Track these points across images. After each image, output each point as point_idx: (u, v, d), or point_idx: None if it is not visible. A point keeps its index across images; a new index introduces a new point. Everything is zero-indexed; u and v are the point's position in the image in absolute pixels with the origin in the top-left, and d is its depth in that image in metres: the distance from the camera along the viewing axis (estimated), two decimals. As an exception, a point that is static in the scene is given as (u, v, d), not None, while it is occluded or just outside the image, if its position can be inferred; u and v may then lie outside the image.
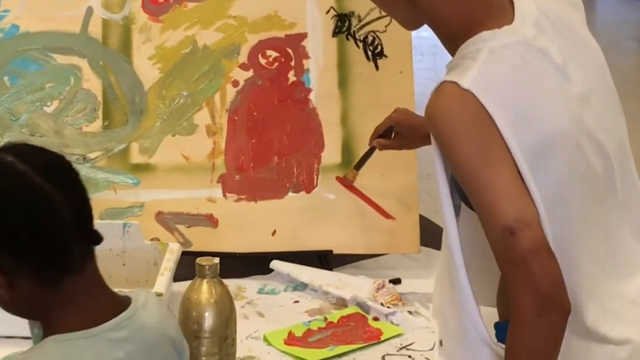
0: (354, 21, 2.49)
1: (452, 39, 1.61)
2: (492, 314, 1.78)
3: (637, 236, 1.69)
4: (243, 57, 2.48)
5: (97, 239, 1.33)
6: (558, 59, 1.59)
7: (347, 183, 2.43)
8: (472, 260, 1.61)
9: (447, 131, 1.52)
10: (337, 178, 2.46)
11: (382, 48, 2.49)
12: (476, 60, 1.54)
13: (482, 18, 1.58)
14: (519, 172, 1.50)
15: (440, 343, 1.71)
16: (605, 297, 1.61)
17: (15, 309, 1.34)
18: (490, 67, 1.54)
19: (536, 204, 1.50)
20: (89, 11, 2.47)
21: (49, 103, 2.45)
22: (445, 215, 1.59)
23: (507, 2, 1.62)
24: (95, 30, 2.47)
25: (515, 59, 1.56)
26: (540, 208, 1.50)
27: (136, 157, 2.46)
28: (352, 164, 2.40)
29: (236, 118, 2.47)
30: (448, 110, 1.52)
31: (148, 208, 2.44)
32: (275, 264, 2.39)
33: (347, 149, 2.48)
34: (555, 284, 1.46)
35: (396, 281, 2.34)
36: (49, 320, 1.33)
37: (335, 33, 2.50)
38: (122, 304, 1.36)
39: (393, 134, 2.13)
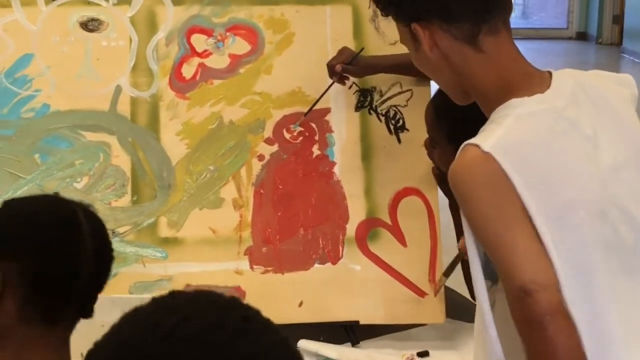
0: (376, 96, 2.53)
1: (489, 105, 1.64)
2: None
3: None
4: (268, 132, 2.52)
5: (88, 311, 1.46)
6: (588, 129, 1.60)
7: (436, 289, 2.43)
8: (508, 330, 1.60)
9: (466, 192, 1.54)
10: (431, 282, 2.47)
11: (403, 122, 2.53)
12: (501, 125, 1.57)
13: (517, 86, 1.61)
14: (539, 236, 1.51)
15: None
16: None
17: None
18: (514, 132, 1.56)
19: (555, 267, 1.51)
20: (118, 89, 2.52)
21: (78, 179, 2.49)
22: (476, 282, 1.60)
23: (547, 74, 1.65)
24: (123, 108, 2.52)
25: (541, 125, 1.58)
26: (559, 272, 1.50)
27: (164, 231, 2.49)
28: None
29: (262, 191, 2.50)
30: (467, 171, 1.55)
31: (176, 281, 2.46)
32: (302, 343, 2.34)
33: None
34: (571, 347, 1.46)
35: (424, 354, 2.33)
36: None
37: (358, 107, 2.54)
38: None
39: None
